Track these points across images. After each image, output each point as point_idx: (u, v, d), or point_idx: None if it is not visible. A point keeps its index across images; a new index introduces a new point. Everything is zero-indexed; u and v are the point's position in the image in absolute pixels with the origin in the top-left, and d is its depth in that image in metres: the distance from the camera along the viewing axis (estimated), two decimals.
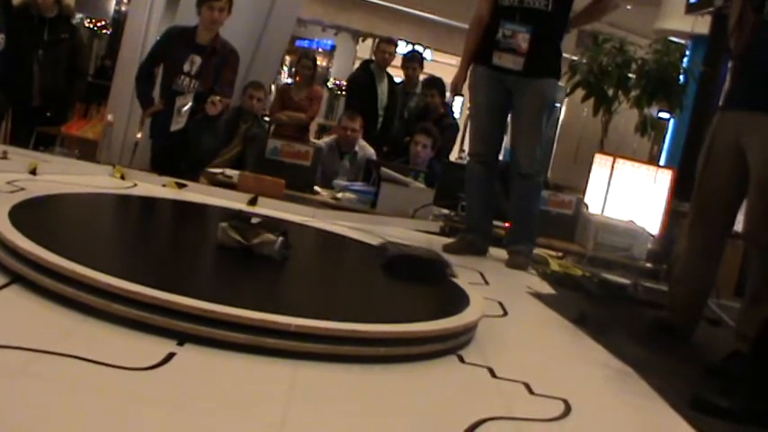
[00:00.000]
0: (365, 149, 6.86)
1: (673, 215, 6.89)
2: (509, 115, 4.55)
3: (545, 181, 5.94)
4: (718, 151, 3.50)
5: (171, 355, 2.03)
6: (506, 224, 4.81)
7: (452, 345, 2.58)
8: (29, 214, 2.87)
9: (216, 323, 2.16)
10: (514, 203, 4.60)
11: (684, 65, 10.03)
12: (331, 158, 6.68)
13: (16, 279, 2.36)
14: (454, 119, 8.26)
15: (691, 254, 3.60)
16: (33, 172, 4.11)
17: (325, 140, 7.19)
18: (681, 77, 9.67)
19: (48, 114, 6.87)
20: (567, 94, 10.99)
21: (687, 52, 10.52)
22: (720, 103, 3.65)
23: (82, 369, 1.86)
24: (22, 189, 3.57)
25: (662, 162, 10.47)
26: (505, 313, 3.31)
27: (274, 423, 1.79)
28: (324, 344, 2.23)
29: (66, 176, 4.23)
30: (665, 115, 10.81)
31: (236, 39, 6.09)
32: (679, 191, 6.88)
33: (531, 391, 2.37)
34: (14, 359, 1.84)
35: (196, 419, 1.76)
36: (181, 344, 2.11)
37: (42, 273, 2.30)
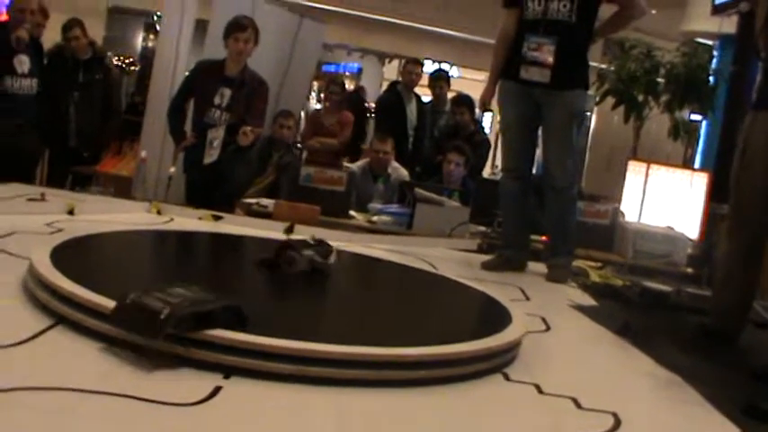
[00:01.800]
0: (398, 171, 6.87)
1: (711, 218, 6.84)
2: (539, 128, 4.54)
3: (579, 192, 5.92)
4: (753, 151, 3.47)
5: (218, 389, 2.04)
6: (544, 238, 4.79)
7: (497, 363, 2.57)
8: (69, 255, 2.89)
9: (261, 354, 2.17)
10: (550, 217, 4.59)
11: (713, 66, 9.98)
12: (364, 182, 6.69)
13: (61, 320, 2.37)
14: (485, 134, 8.27)
15: (732, 257, 3.56)
16: (71, 212, 4.15)
17: (358, 164, 7.21)
18: (710, 79, 9.63)
19: (85, 155, 6.95)
20: (597, 103, 10.97)
21: (715, 53, 10.45)
22: (752, 103, 3.62)
23: (131, 407, 1.88)
24: (61, 230, 3.61)
25: (696, 165, 10.38)
26: (548, 328, 3.30)
27: None
28: (368, 369, 2.23)
29: (103, 215, 4.27)
30: (697, 117, 10.75)
31: (263, 69, 6.13)
32: (716, 193, 6.83)
33: (579, 406, 2.35)
34: (63, 400, 1.86)
35: None
36: (227, 377, 2.12)
37: (86, 313, 2.32)
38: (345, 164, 7.73)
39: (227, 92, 5.71)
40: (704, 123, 10.80)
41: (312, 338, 2.27)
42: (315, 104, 13.93)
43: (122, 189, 6.98)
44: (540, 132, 4.57)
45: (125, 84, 14.99)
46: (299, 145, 8.32)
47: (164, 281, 3.09)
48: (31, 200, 4.36)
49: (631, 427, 2.24)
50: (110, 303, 2.28)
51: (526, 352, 2.78)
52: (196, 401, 1.95)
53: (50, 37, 7.30)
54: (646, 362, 2.99)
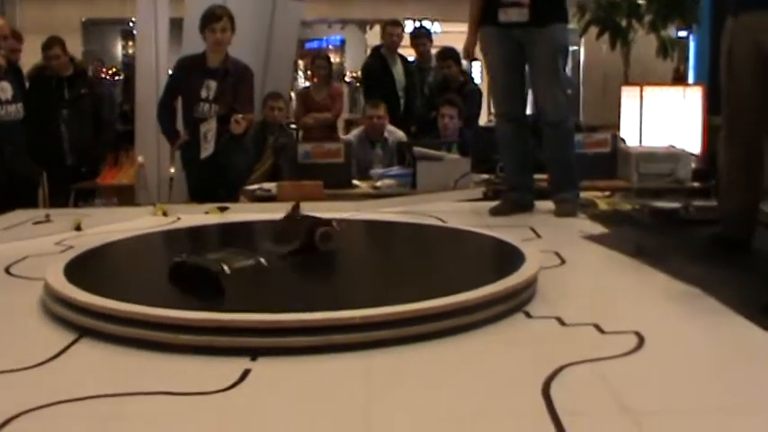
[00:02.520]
0: (394, 134, 6.88)
1: (712, 131, 6.84)
2: (526, 69, 4.54)
3: (577, 125, 5.93)
4: (738, 56, 3.47)
5: (247, 372, 2.08)
6: (547, 176, 4.81)
7: (517, 303, 2.60)
8: (83, 268, 2.93)
9: (284, 331, 2.21)
10: (550, 154, 4.59)
11: None
12: (363, 150, 6.70)
13: (84, 333, 2.41)
14: (476, 84, 8.25)
15: (731, 164, 3.57)
16: (78, 228, 4.18)
17: (354, 133, 7.22)
18: None
19: (83, 170, 6.98)
20: (581, 34, 10.92)
21: None
22: (732, 8, 3.60)
23: (168, 403, 1.92)
24: (71, 247, 3.63)
25: (690, 80, 10.35)
26: (563, 262, 3.32)
27: (359, 413, 1.83)
28: (391, 329, 2.26)
29: (110, 225, 4.29)
30: (684, 34, 10.71)
31: (244, 55, 6.14)
32: (713, 106, 6.82)
33: (601, 331, 2.39)
34: (103, 407, 1.90)
35: (286, 423, 1.81)
36: (254, 359, 2.16)
37: (107, 321, 2.36)
38: (341, 136, 7.74)
39: (213, 84, 5.71)
40: (693, 38, 10.76)
41: (334, 307, 2.31)
42: (304, 83, 13.90)
43: (125, 198, 7.04)
44: (527, 72, 4.57)
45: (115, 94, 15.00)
46: (292, 125, 8.31)
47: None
48: (36, 223, 4.38)
49: (655, 343, 2.28)
50: (128, 307, 2.33)
51: (544, 288, 2.81)
52: (228, 386, 1.99)
53: (28, 60, 7.34)
54: (662, 279, 3.02)
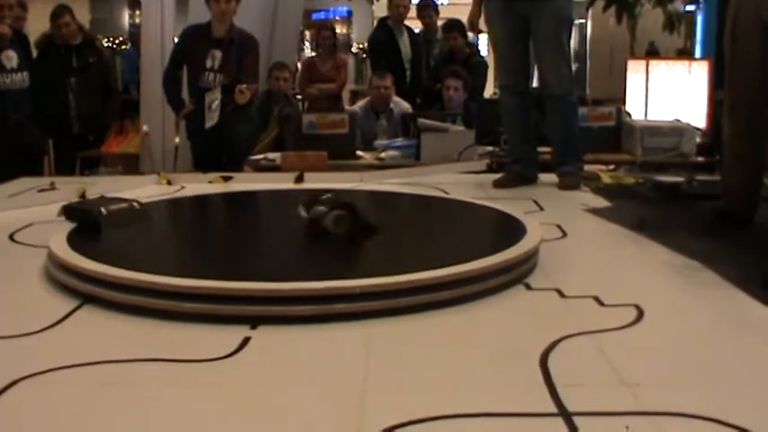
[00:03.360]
0: (400, 105, 6.86)
1: (717, 105, 6.81)
2: (530, 42, 4.52)
3: (583, 98, 5.91)
4: (741, 30, 3.47)
5: (247, 340, 2.10)
6: (550, 149, 4.80)
7: (517, 274, 2.61)
8: (87, 236, 2.94)
9: (283, 300, 2.23)
10: (553, 127, 4.60)
11: None
12: (368, 121, 6.69)
13: (87, 300, 2.43)
14: (482, 57, 8.22)
15: (734, 137, 3.57)
16: (83, 196, 4.18)
17: (359, 104, 7.20)
18: None
19: (89, 139, 6.98)
20: (588, 7, 10.89)
21: None
22: None
23: (167, 369, 1.94)
24: None
25: (697, 54, 10.32)
26: (564, 234, 3.33)
27: (357, 381, 1.84)
28: (390, 299, 2.28)
29: (115, 194, 4.30)
30: (692, 8, 10.66)
31: (250, 25, 6.13)
32: (719, 80, 6.80)
33: (601, 303, 2.40)
34: (102, 372, 1.92)
35: (282, 390, 1.83)
36: (254, 327, 2.18)
37: (109, 288, 2.38)
38: (346, 107, 7.73)
39: (218, 53, 5.72)
40: (700, 12, 10.72)
41: (335, 276, 2.33)
42: (310, 54, 13.88)
43: (130, 166, 7.05)
44: (531, 45, 4.56)
45: (119, 64, 15.01)
46: (297, 96, 8.29)
47: (182, 245, 3.19)
48: (41, 191, 4.39)
49: (654, 315, 2.29)
50: (130, 275, 2.34)
51: (545, 260, 2.82)
52: (228, 354, 2.01)
53: (35, 29, 7.32)
54: (663, 252, 3.03)
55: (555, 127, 4.59)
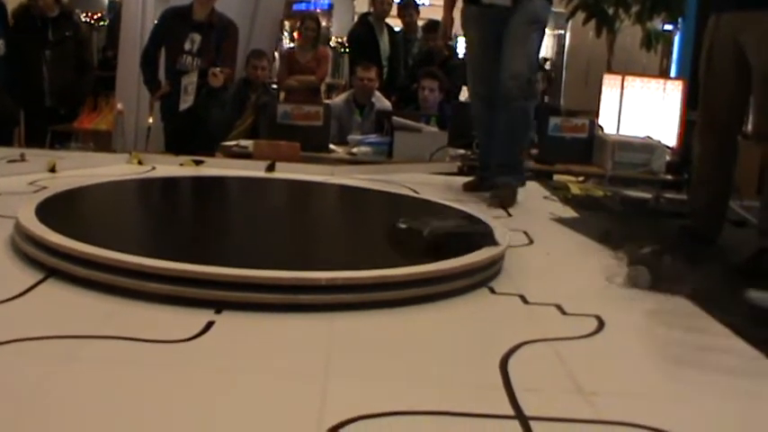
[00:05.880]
0: (382, 101, 6.85)
1: (689, 125, 6.88)
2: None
3: (557, 108, 5.92)
4: (717, 53, 3.51)
5: (210, 324, 2.10)
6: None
7: (482, 278, 2.64)
8: (55, 210, 2.93)
9: (250, 287, 2.24)
10: (499, 131, 4.30)
11: None
12: (348, 115, 6.68)
13: (52, 273, 2.43)
14: (460, 59, 8.23)
15: (704, 158, 3.62)
16: (53, 170, 4.17)
17: (341, 97, 7.18)
18: None
19: (62, 112, 6.94)
20: (568, 19, 10.93)
21: None
22: (715, 5, 3.64)
23: (127, 348, 1.94)
24: (45, 187, 3.63)
25: (672, 74, 10.39)
26: (531, 242, 3.36)
27: (318, 370, 1.86)
28: (356, 293, 2.29)
29: (85, 170, 4.28)
30: (670, 27, 10.73)
31: (231, 11, 6.12)
32: (692, 100, 6.86)
33: (563, 312, 2.43)
34: (63, 347, 1.93)
35: (243, 376, 1.84)
36: (218, 312, 2.18)
37: (75, 263, 2.37)
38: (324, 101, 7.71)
39: (197, 37, 5.71)
40: (678, 32, 10.79)
41: (302, 267, 2.34)
42: (288, 45, 13.82)
43: (102, 143, 7.01)
44: None
45: (96, 39, 14.89)
46: (274, 86, 8.26)
47: (149, 226, 3.19)
48: (11, 161, 4.36)
49: (614, 327, 2.32)
50: (97, 251, 2.34)
51: (510, 265, 2.85)
52: (190, 337, 2.02)
53: None
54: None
55: (501, 131, 4.29)
